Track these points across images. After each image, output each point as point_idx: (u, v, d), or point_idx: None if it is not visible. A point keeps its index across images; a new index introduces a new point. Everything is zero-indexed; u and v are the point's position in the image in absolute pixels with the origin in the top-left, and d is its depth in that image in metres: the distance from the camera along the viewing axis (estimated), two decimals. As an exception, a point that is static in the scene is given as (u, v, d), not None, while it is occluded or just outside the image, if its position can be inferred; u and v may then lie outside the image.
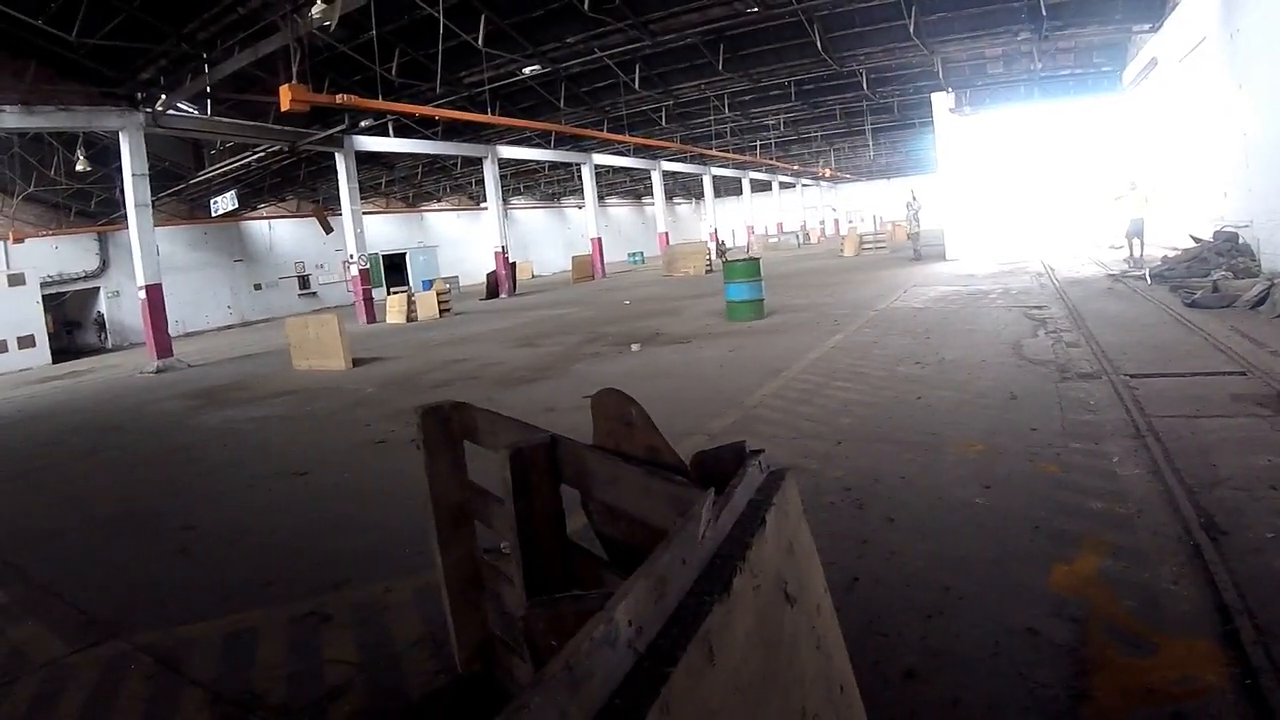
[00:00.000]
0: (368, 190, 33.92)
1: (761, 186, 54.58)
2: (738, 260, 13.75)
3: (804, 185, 59.35)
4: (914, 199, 25.37)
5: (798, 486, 1.85)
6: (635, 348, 11.62)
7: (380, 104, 17.08)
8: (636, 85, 21.42)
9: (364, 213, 35.71)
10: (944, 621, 3.10)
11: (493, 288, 28.39)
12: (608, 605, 1.08)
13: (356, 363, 13.49)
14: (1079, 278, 15.55)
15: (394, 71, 17.38)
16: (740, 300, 13.27)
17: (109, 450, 9.14)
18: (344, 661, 3.42)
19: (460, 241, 43.92)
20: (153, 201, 18.01)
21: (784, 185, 56.83)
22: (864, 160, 49.53)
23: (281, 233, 35.04)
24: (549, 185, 45.52)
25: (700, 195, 54.42)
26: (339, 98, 15.09)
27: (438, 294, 22.64)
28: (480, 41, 16.13)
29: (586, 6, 15.50)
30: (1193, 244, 15.14)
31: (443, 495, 2.78)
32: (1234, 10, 13.21)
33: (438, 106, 18.97)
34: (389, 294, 26.73)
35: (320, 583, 4.34)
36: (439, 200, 43.07)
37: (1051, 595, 3.25)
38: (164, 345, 17.20)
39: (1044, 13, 17.25)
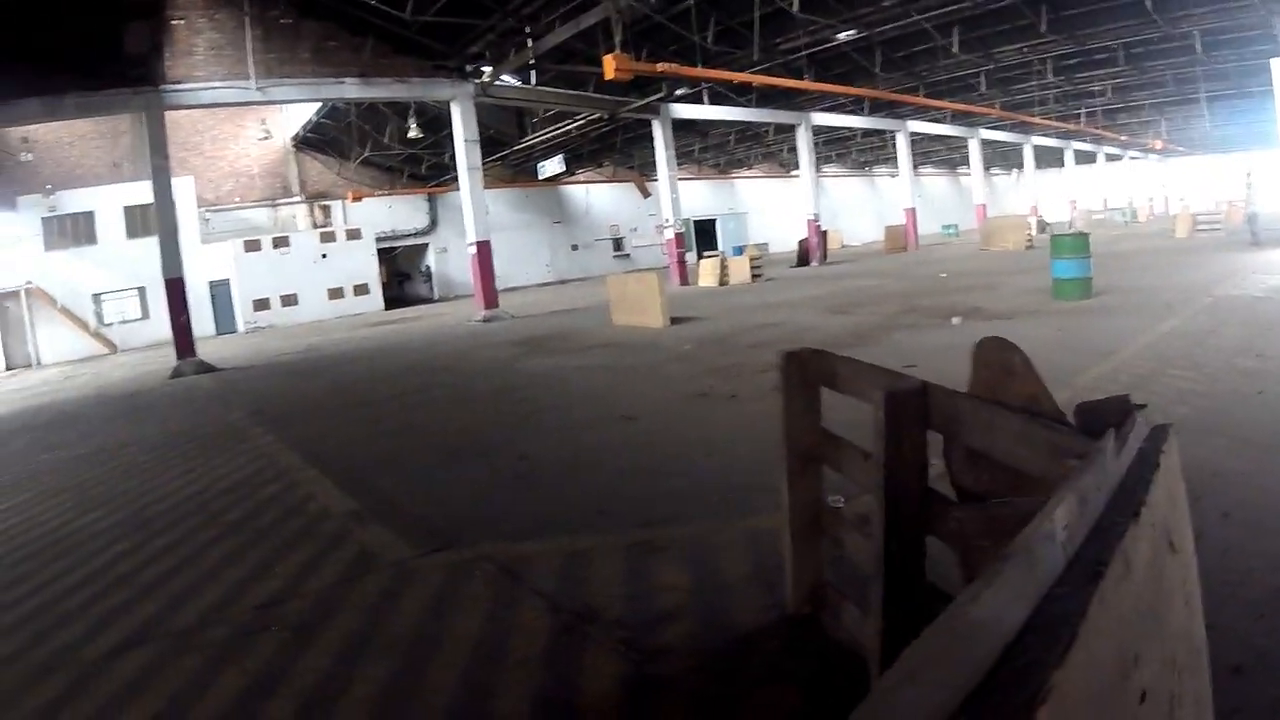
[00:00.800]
0: (681, 157, 35.08)
1: (1085, 158, 49.68)
2: (1065, 235, 12.66)
3: (1131, 158, 53.16)
4: (1251, 176, 21.85)
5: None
6: (955, 321, 11.15)
7: (698, 71, 17.59)
8: (955, 49, 20.40)
9: (678, 179, 37.28)
10: (1274, 622, 2.92)
11: (803, 255, 28.53)
12: (1046, 508, 1.18)
13: (673, 321, 14.06)
14: None
15: (709, 40, 17.84)
16: (1067, 277, 12.28)
17: (442, 388, 10.21)
18: (676, 588, 3.55)
19: (769, 208, 44.23)
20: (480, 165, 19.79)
21: (1110, 157, 51.31)
22: (1198, 132, 43.60)
23: (598, 197, 37.29)
24: (860, 153, 44.54)
25: (1019, 166, 50.62)
26: (659, 66, 15.70)
27: (750, 259, 23.03)
28: (795, 7, 16.06)
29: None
30: None
31: (796, 437, 2.90)
32: None
33: (753, 73, 19.13)
34: (699, 258, 27.57)
35: (652, 517, 4.52)
36: (749, 167, 43.62)
37: None
38: (490, 297, 19.02)
39: None
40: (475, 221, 18.59)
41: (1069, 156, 46.58)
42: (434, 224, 32.41)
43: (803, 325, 12.53)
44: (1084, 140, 44.63)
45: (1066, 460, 1.61)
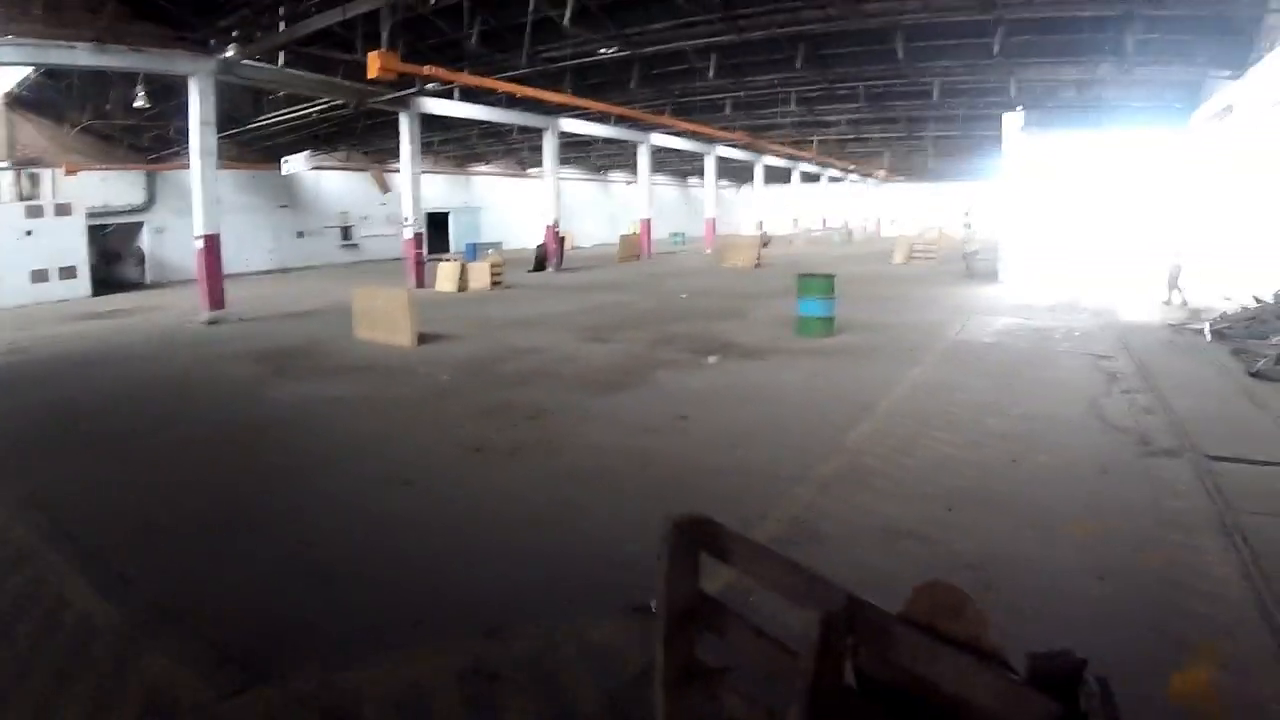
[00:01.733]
0: (421, 148, 33.93)
1: (810, 178, 54.13)
2: (813, 276, 13.67)
3: (851, 181, 58.75)
4: (969, 215, 25.21)
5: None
6: (712, 359, 11.62)
7: (465, 77, 17.02)
8: (711, 74, 21.25)
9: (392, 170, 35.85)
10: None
11: (541, 259, 28.50)
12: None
13: (422, 340, 13.38)
14: (1137, 323, 15.44)
15: (474, 40, 17.24)
16: (812, 316, 13.27)
17: (186, 422, 8.92)
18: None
19: (504, 205, 43.78)
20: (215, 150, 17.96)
21: (832, 179, 56.30)
22: (916, 163, 49.13)
23: (329, 183, 35.02)
24: (600, 158, 45.27)
25: (749, 181, 54.05)
26: (425, 69, 15.04)
27: (491, 266, 22.57)
28: (566, 19, 15.96)
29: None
30: (1254, 303, 15.09)
31: (675, 600, 2.89)
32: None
33: (511, 80, 18.88)
34: (426, 258, 26.52)
35: (475, 621, 4.23)
36: (487, 162, 42.88)
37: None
38: (217, 297, 17.27)
39: (1129, 48, 17.01)
40: (205, 212, 16.69)
41: (795, 176, 50.16)
42: (152, 200, 28.85)
43: (560, 353, 12.42)
44: (810, 163, 48.29)
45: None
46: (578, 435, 7.98)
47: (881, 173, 47.87)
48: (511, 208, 43.79)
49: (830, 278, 13.72)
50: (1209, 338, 13.45)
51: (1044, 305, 17.68)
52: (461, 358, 12.19)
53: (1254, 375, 10.58)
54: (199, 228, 16.83)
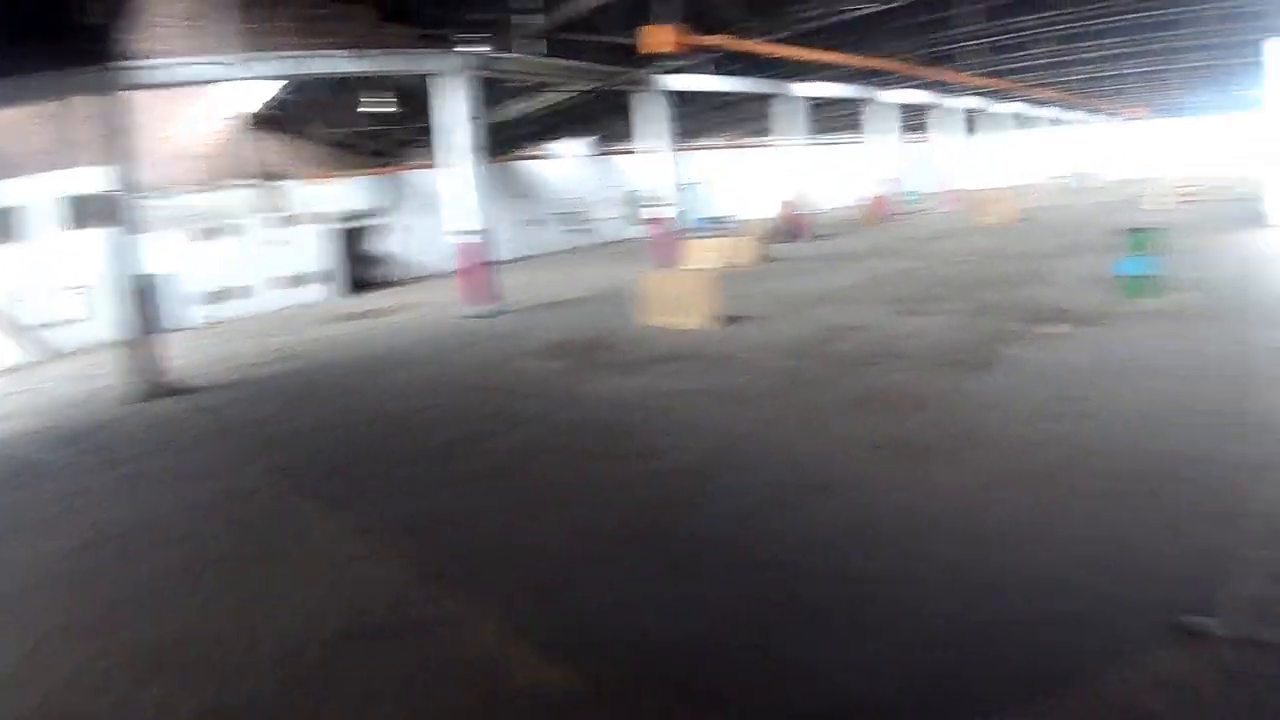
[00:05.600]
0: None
1: (1043, 122, 49.75)
2: (1141, 230, 11.70)
3: (1093, 122, 53.51)
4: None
5: None
6: (1064, 328, 9.97)
7: (751, 45, 15.98)
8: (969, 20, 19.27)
9: (628, 152, 35.50)
10: None
11: (792, 230, 27.01)
12: None
13: (725, 322, 12.41)
14: None
15: (735, 7, 16.11)
16: (1143, 275, 11.38)
17: (527, 424, 8.23)
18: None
19: (726, 177, 42.56)
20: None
21: (1056, 122, 51.60)
22: (1161, 99, 44.22)
23: (555, 170, 35.23)
24: (825, 119, 43.09)
25: (985, 129, 50.52)
26: (710, 39, 14.02)
27: (754, 239, 21.40)
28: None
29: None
30: None
31: None
32: None
33: (773, 43, 17.67)
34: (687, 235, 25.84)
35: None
36: (709, 137, 41.81)
37: None
38: (486, 290, 16.73)
39: None
40: (478, 209, 16.42)
41: (1038, 122, 46.57)
42: (394, 203, 30.13)
43: (888, 330, 11.01)
44: (1050, 106, 44.63)
45: None
46: (979, 426, 6.78)
47: (1129, 111, 43.17)
48: (734, 180, 42.54)
49: (1162, 232, 11.68)
50: None
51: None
52: (780, 341, 11.07)
53: None
54: (471, 224, 16.59)
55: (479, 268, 16.78)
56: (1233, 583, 3.87)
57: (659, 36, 12.77)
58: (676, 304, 12.83)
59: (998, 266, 16.22)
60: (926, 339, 10.27)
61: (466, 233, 16.73)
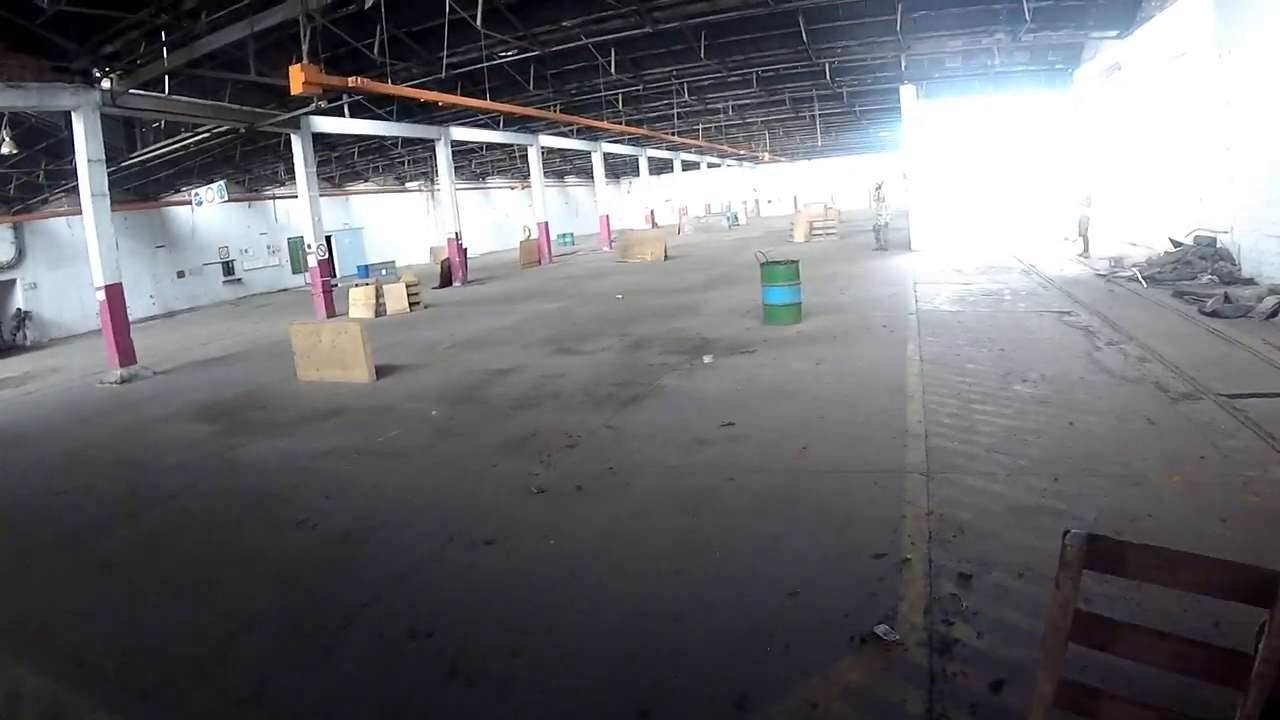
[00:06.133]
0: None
1: (691, 166, 54.41)
2: (778, 264, 13.51)
3: (728, 165, 59.39)
4: (879, 188, 25.70)
5: None
6: (708, 359, 11.14)
7: (393, 88, 15.87)
8: (612, 70, 20.73)
9: (283, 196, 33.99)
10: None
11: (447, 275, 27.15)
12: None
13: (378, 373, 12.31)
14: (1068, 277, 16.02)
15: (375, 49, 16.08)
16: (781, 304, 13.10)
17: (161, 501, 7.49)
18: None
19: (385, 223, 42.16)
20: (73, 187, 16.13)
21: (711, 165, 56.80)
22: (794, 143, 49.97)
23: (204, 216, 32.66)
24: (480, 165, 44.03)
25: (626, 174, 53.87)
26: (351, 80, 13.86)
27: (408, 285, 21.35)
28: (479, 20, 15.00)
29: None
30: (1171, 246, 15.95)
31: (1060, 619, 2.65)
32: (1228, 33, 13.85)
33: (418, 87, 17.83)
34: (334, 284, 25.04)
35: (707, 699, 3.65)
36: (365, 180, 41.09)
37: None
38: (126, 350, 15.39)
39: (1026, 16, 17.53)
40: (104, 260, 14.80)
41: (677, 165, 50.25)
42: (21, 255, 26.13)
43: (542, 371, 11.55)
44: (694, 152, 48.47)
45: None
46: (630, 458, 7.32)
47: (767, 156, 48.57)
48: (393, 225, 42.29)
49: (795, 264, 13.58)
50: (1144, 284, 14.08)
51: (971, 268, 18.17)
52: (436, 388, 11.22)
53: (1208, 314, 11.12)
54: (100, 277, 14.99)
55: (121, 325, 15.38)
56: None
57: (295, 76, 12.53)
58: (330, 356, 12.55)
59: (650, 302, 17.70)
60: (581, 376, 10.92)
61: (101, 287, 15.27)
